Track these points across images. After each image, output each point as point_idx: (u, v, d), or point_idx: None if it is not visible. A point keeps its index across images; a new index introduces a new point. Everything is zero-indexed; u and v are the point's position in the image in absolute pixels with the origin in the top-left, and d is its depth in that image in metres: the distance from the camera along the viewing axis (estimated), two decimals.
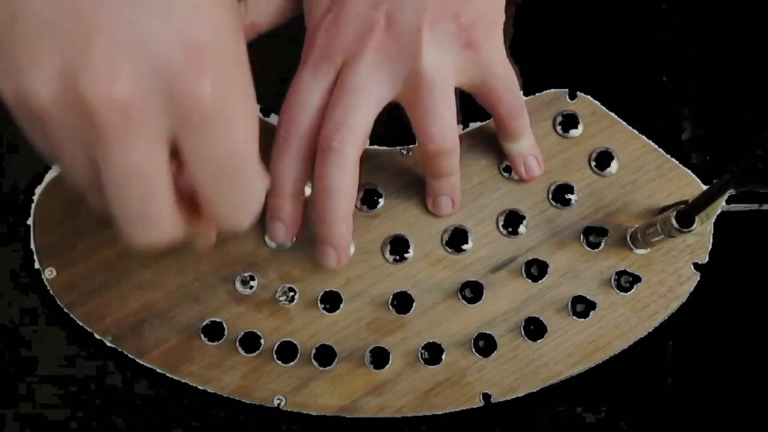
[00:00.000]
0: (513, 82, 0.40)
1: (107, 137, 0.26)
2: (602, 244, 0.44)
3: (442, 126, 0.38)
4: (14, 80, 0.26)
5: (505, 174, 0.45)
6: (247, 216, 0.31)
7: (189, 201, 0.30)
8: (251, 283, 0.42)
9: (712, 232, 0.44)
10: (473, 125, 0.45)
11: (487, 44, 0.39)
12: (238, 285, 0.42)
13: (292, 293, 0.42)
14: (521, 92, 0.41)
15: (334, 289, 0.43)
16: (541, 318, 0.42)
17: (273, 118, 0.44)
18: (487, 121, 0.45)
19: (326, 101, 0.39)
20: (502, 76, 0.40)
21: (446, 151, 0.39)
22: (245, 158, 0.29)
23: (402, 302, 0.43)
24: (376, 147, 0.45)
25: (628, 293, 0.43)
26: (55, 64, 0.25)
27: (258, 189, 0.31)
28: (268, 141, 0.40)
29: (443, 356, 0.42)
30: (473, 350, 0.42)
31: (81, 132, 0.26)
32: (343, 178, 0.38)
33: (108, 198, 0.28)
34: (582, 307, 0.43)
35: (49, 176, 0.43)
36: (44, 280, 0.42)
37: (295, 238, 0.43)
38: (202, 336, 0.42)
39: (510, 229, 0.44)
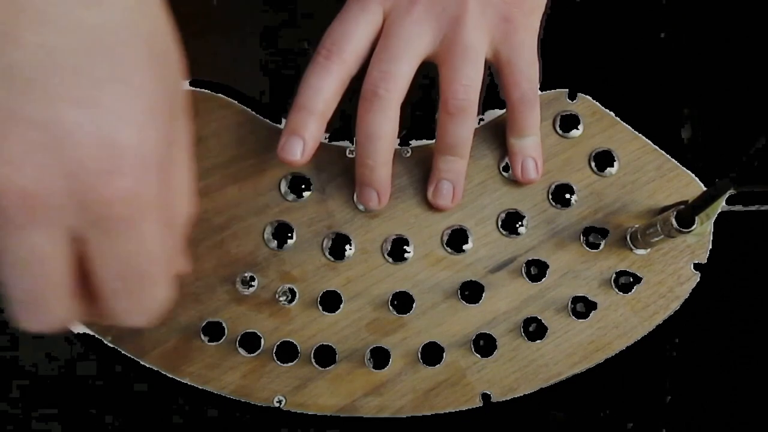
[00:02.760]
0: (534, 71, 0.42)
1: (7, 222, 0.25)
2: (602, 244, 0.44)
3: (467, 84, 0.40)
4: None
5: (505, 174, 0.45)
6: (144, 319, 0.30)
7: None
8: (251, 283, 0.42)
9: (712, 232, 0.44)
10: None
11: (523, 24, 0.41)
12: (238, 285, 0.42)
13: (292, 293, 0.42)
14: (538, 85, 0.42)
15: (334, 289, 0.43)
16: (541, 318, 0.42)
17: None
18: (493, 116, 0.45)
19: (369, 38, 0.40)
20: (527, 61, 0.41)
21: (465, 108, 0.40)
22: (150, 265, 0.28)
23: (402, 302, 0.43)
24: None
25: (628, 293, 0.43)
26: None
27: (159, 296, 0.30)
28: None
29: (443, 356, 0.42)
30: (473, 350, 0.42)
31: None
32: (387, 124, 0.40)
33: (4, 282, 0.27)
34: (582, 307, 0.43)
35: None
36: None
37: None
38: (202, 336, 0.42)
39: (510, 230, 0.44)
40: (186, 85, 0.44)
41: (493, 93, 0.43)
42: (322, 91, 0.39)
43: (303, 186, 0.44)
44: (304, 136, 0.39)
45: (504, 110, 0.44)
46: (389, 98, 0.39)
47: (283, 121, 0.43)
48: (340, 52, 0.40)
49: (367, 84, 0.40)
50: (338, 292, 0.43)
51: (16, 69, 0.25)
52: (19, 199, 0.25)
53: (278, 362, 0.42)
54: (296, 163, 0.40)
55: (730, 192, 0.34)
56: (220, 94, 0.45)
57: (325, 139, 0.44)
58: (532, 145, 0.44)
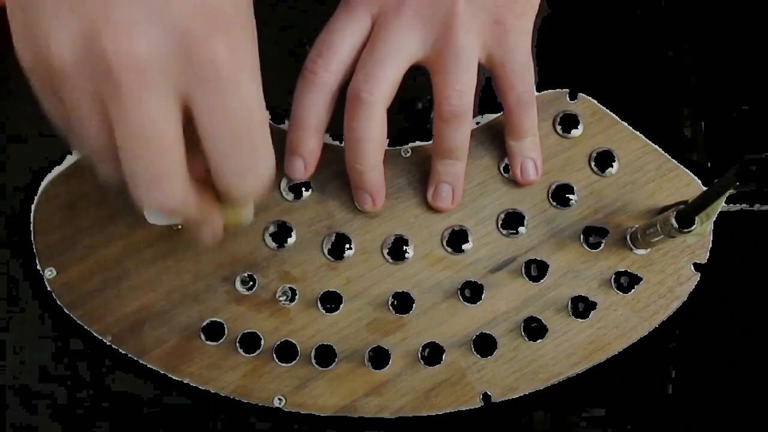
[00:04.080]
0: (529, 73, 0.41)
1: (123, 94, 0.27)
2: (602, 244, 0.44)
3: (461, 90, 0.40)
4: (35, 43, 0.27)
5: (506, 174, 0.45)
6: (255, 183, 0.31)
7: (201, 185, 0.31)
8: (251, 283, 0.42)
9: (712, 232, 0.44)
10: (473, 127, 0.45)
11: (515, 27, 0.40)
12: (238, 285, 0.42)
13: (292, 293, 0.42)
14: (534, 87, 0.42)
15: (334, 289, 0.43)
16: (541, 318, 0.42)
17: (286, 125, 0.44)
18: (489, 119, 0.45)
19: (357, 46, 0.40)
20: (521, 63, 0.41)
21: (460, 114, 0.40)
22: (255, 120, 0.30)
23: (402, 302, 0.43)
24: None
25: (628, 293, 0.43)
26: (76, 24, 0.26)
27: (267, 157, 0.31)
28: (280, 145, 0.41)
29: (443, 356, 0.42)
30: (473, 350, 0.42)
31: (98, 90, 0.27)
32: (372, 128, 0.40)
33: (121, 158, 0.29)
34: (582, 307, 0.43)
35: (50, 177, 0.43)
36: (44, 281, 0.42)
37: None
38: (202, 336, 0.42)
39: (510, 229, 0.44)
40: None
41: (491, 95, 0.43)
42: (312, 108, 0.40)
43: (303, 186, 0.44)
44: (303, 154, 0.41)
45: (500, 113, 0.44)
46: (373, 101, 0.39)
47: (286, 122, 0.43)
48: (326, 64, 0.40)
49: (352, 88, 0.39)
50: (338, 292, 0.43)
51: None
52: (131, 65, 0.26)
53: (278, 362, 0.42)
54: (302, 179, 0.42)
55: (730, 192, 0.34)
56: None
57: (329, 139, 0.44)
58: (530, 146, 0.44)
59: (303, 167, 0.42)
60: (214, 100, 0.28)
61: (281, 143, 0.42)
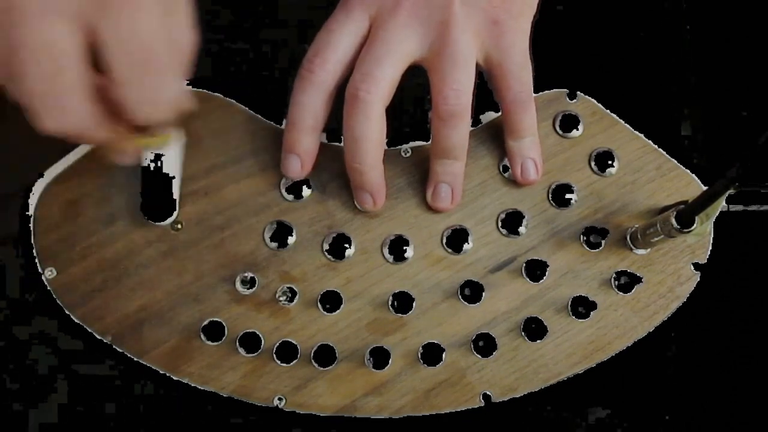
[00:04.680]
0: (526, 73, 0.41)
1: (21, 14, 0.27)
2: (602, 244, 0.44)
3: (458, 89, 0.40)
4: None
5: (505, 174, 0.45)
6: (160, 110, 0.31)
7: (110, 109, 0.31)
8: (251, 283, 0.42)
9: (712, 232, 0.44)
10: (473, 127, 0.45)
11: (512, 27, 0.40)
12: (238, 285, 0.42)
13: (292, 293, 0.42)
14: (532, 87, 0.42)
15: (334, 289, 0.43)
16: (541, 318, 0.42)
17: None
18: (489, 119, 0.45)
19: (354, 45, 0.40)
20: (518, 63, 0.41)
21: (458, 113, 0.40)
22: (159, 49, 0.30)
23: (402, 302, 0.43)
24: None
25: (628, 293, 0.43)
26: None
27: (171, 84, 0.31)
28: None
29: (443, 356, 0.42)
30: (473, 350, 0.42)
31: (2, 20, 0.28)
32: (370, 127, 0.40)
33: (22, 81, 0.29)
34: (582, 307, 0.43)
35: (50, 177, 0.43)
36: (44, 281, 0.42)
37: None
38: (202, 336, 0.42)
39: (510, 229, 0.44)
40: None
41: (490, 95, 0.43)
42: (309, 106, 0.40)
43: (303, 186, 0.44)
44: (299, 153, 0.42)
45: (500, 113, 0.44)
46: (371, 101, 0.39)
47: (284, 121, 0.43)
48: (323, 63, 0.40)
49: (350, 88, 0.40)
50: (338, 292, 0.43)
51: None
52: None
53: (278, 362, 0.42)
54: (299, 177, 0.43)
55: (730, 192, 0.34)
56: (219, 94, 0.45)
57: (324, 139, 0.44)
58: (529, 146, 0.44)
59: (299, 166, 0.42)
60: (114, 27, 0.29)
61: (280, 142, 0.42)
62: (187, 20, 0.32)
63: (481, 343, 0.42)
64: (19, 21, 0.28)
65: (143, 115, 0.32)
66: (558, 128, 0.45)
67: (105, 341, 0.42)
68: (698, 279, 0.44)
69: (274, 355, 0.42)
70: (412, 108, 0.47)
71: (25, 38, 0.28)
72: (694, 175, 0.45)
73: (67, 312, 0.42)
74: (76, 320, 0.42)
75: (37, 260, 0.43)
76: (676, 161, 0.45)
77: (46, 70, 0.29)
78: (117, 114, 0.32)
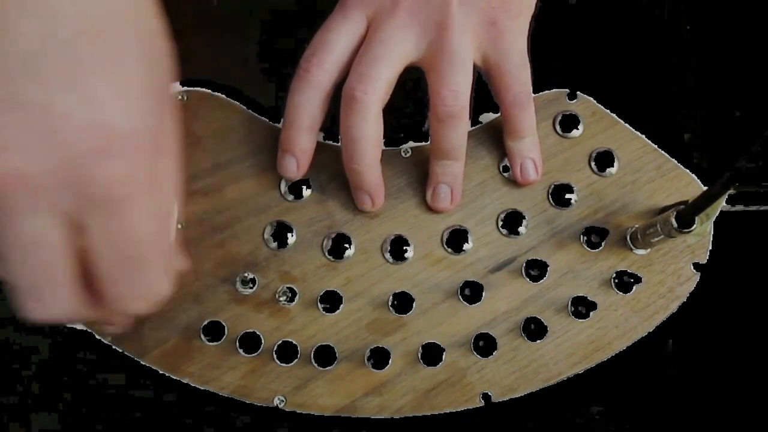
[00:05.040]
0: (525, 73, 0.41)
1: (6, 209, 0.26)
2: (602, 244, 0.44)
3: (456, 90, 0.39)
4: None
5: (505, 174, 0.45)
6: (144, 305, 0.31)
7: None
8: (251, 283, 0.42)
9: (712, 232, 0.44)
10: (473, 127, 0.45)
11: (510, 28, 0.40)
12: (238, 285, 0.42)
13: (292, 293, 0.42)
14: (531, 87, 0.42)
15: (334, 289, 0.43)
16: (541, 318, 0.42)
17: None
18: (489, 119, 0.45)
19: (352, 46, 0.40)
20: (517, 64, 0.41)
21: (456, 114, 0.40)
22: (144, 248, 0.29)
23: (402, 302, 0.43)
24: None
25: (628, 293, 0.43)
26: None
27: (155, 282, 0.31)
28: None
29: (443, 356, 0.42)
30: (473, 350, 0.42)
31: None
32: (367, 128, 0.39)
33: (9, 272, 0.28)
34: (582, 307, 0.43)
35: None
36: None
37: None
38: (202, 336, 0.42)
39: (510, 229, 0.44)
40: (177, 86, 0.44)
41: (489, 95, 0.43)
42: (305, 106, 0.40)
43: (303, 186, 0.44)
44: (295, 152, 0.42)
45: (499, 113, 0.44)
46: (367, 101, 0.39)
47: (282, 121, 0.43)
48: (320, 63, 0.40)
49: (346, 88, 0.39)
50: (338, 292, 0.43)
51: (13, 56, 0.25)
52: (18, 184, 0.26)
53: (278, 362, 0.42)
54: (295, 177, 0.43)
55: (730, 192, 0.34)
56: (220, 94, 0.45)
57: (323, 139, 0.44)
58: (529, 146, 0.43)
59: (295, 166, 0.42)
60: (101, 226, 0.28)
61: (276, 142, 0.42)
62: (173, 216, 0.31)
63: (481, 343, 0.42)
64: (9, 216, 0.26)
65: (127, 309, 0.31)
66: (558, 128, 0.45)
67: (105, 341, 0.42)
68: (698, 279, 0.44)
69: (274, 355, 0.42)
70: (412, 108, 0.47)
71: (14, 233, 0.27)
72: (694, 175, 0.45)
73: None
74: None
75: None
76: (676, 161, 0.45)
77: (34, 265, 0.28)
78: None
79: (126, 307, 0.31)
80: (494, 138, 0.45)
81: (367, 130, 0.40)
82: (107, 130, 0.27)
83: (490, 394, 0.42)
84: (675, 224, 0.38)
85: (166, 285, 0.32)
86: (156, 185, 0.29)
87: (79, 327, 0.42)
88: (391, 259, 0.43)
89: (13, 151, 0.26)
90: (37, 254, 0.28)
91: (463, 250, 0.44)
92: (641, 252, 0.44)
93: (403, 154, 0.45)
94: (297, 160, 0.42)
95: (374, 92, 0.39)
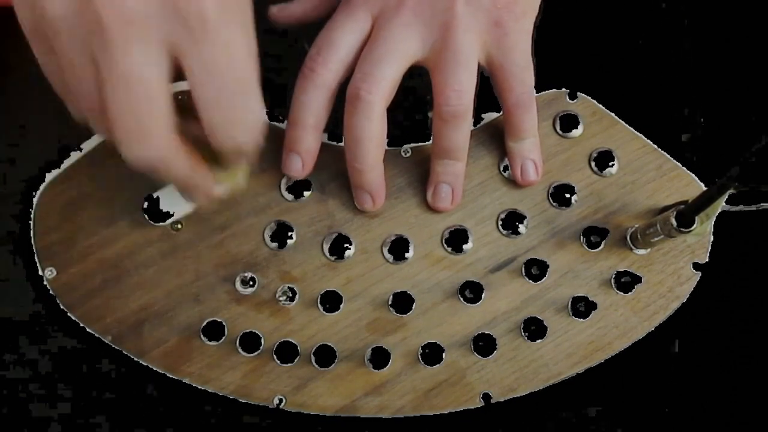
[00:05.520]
0: (528, 75, 0.41)
1: (111, 44, 0.28)
2: (602, 244, 0.44)
3: (460, 90, 0.40)
4: (32, 1, 0.28)
5: (505, 174, 0.45)
6: (245, 133, 0.32)
7: (193, 146, 0.33)
8: (251, 283, 0.42)
9: (712, 232, 0.44)
10: (475, 127, 0.45)
11: (514, 29, 0.40)
12: (238, 285, 0.42)
13: (292, 293, 0.42)
14: (534, 89, 0.42)
15: (334, 289, 0.43)
16: (541, 318, 0.42)
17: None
18: (489, 119, 0.45)
19: (357, 45, 0.40)
20: (521, 65, 0.41)
21: (459, 114, 0.40)
22: (244, 72, 0.30)
23: (402, 302, 0.43)
24: None
25: (628, 293, 0.43)
26: None
27: (256, 107, 0.32)
28: (278, 143, 0.42)
29: (443, 356, 0.42)
30: (473, 350, 0.42)
31: (89, 43, 0.28)
32: (371, 127, 0.39)
33: (108, 111, 0.29)
34: (582, 307, 0.43)
35: (50, 177, 0.43)
36: (44, 281, 0.42)
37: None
38: (202, 336, 0.42)
39: (510, 229, 0.44)
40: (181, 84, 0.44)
41: (491, 95, 0.43)
42: (310, 105, 0.40)
43: (303, 186, 0.44)
44: (300, 151, 0.42)
45: (501, 113, 0.44)
46: (371, 101, 0.39)
47: (285, 121, 0.43)
48: (325, 62, 0.40)
49: (351, 87, 0.40)
50: (338, 292, 0.43)
51: None
52: (119, 16, 0.27)
53: (278, 362, 0.42)
54: (299, 176, 0.43)
55: (730, 192, 0.34)
56: None
57: (325, 138, 0.44)
58: (530, 147, 0.44)
59: (300, 165, 0.42)
60: (200, 51, 0.29)
61: (280, 141, 0.42)
62: (254, 39, 0.32)
63: (481, 343, 0.42)
64: (114, 48, 0.28)
65: (228, 141, 0.32)
66: (558, 128, 0.45)
67: (105, 341, 0.42)
68: (698, 279, 0.44)
69: (274, 355, 0.42)
70: (412, 108, 0.47)
71: (119, 65, 0.28)
72: (694, 175, 0.45)
73: (67, 312, 0.42)
74: (75, 320, 0.42)
75: (37, 260, 0.43)
76: (676, 161, 0.45)
77: (132, 101, 0.29)
78: (195, 150, 0.33)
79: (227, 135, 0.31)
80: (495, 138, 0.45)
81: (370, 130, 0.40)
82: None
83: (490, 394, 0.42)
84: (675, 224, 0.38)
85: (262, 111, 0.32)
86: (244, 10, 0.31)
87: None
88: (391, 259, 0.44)
89: None
90: (141, 88, 0.29)
91: (463, 250, 0.44)
92: (641, 252, 0.44)
93: (403, 153, 0.45)
94: (302, 160, 0.42)
95: (378, 92, 0.39)
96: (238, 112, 0.31)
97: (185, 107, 0.31)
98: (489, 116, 0.45)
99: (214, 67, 0.30)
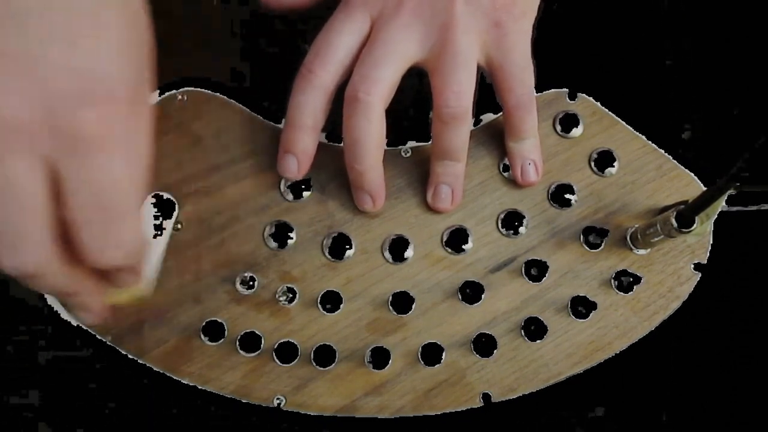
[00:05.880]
0: (528, 75, 0.41)
1: None
2: (602, 244, 0.44)
3: (459, 91, 0.39)
4: None
5: (505, 174, 0.45)
6: (117, 255, 0.31)
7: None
8: (251, 283, 0.42)
9: (712, 232, 0.44)
10: (474, 127, 0.45)
11: (514, 29, 0.40)
12: (238, 285, 0.42)
13: (292, 293, 0.42)
14: (534, 89, 0.42)
15: (334, 289, 0.43)
16: (541, 318, 0.42)
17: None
18: (489, 119, 0.45)
19: (355, 46, 0.40)
20: (521, 65, 0.41)
21: (459, 116, 0.40)
22: (119, 195, 0.29)
23: (402, 302, 0.43)
24: None
25: (628, 293, 0.43)
26: None
27: (130, 231, 0.31)
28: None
29: (443, 356, 0.42)
30: (473, 350, 0.42)
31: None
32: (370, 129, 0.39)
33: None
34: (582, 307, 0.43)
35: None
36: None
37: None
38: (202, 336, 0.42)
39: (510, 229, 0.44)
40: (188, 89, 0.44)
41: (491, 95, 0.43)
42: (308, 106, 0.40)
43: (303, 186, 0.44)
44: (296, 152, 0.42)
45: (500, 114, 0.44)
46: (370, 102, 0.39)
47: (283, 121, 0.43)
48: (323, 64, 0.40)
49: (349, 89, 0.39)
50: (338, 292, 0.43)
51: (12, 10, 0.27)
52: (0, 126, 0.27)
53: (278, 362, 0.42)
54: (295, 177, 0.42)
55: (730, 192, 0.34)
56: (220, 94, 0.45)
57: (324, 139, 0.44)
58: (530, 147, 0.44)
59: (296, 166, 0.42)
60: (77, 170, 0.28)
61: (276, 142, 0.42)
62: (145, 163, 0.31)
63: (481, 343, 0.42)
64: None
65: (100, 262, 0.31)
66: (558, 128, 0.45)
67: (105, 341, 0.42)
68: (698, 279, 0.44)
69: (274, 355, 0.42)
70: (412, 108, 0.47)
71: None
72: (694, 175, 0.45)
73: (66, 311, 0.42)
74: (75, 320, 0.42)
75: None
76: (676, 161, 0.45)
77: (10, 208, 0.28)
78: (80, 263, 0.31)
79: (100, 256, 0.31)
80: (494, 138, 0.45)
81: (369, 131, 0.39)
82: (89, 75, 0.28)
83: (490, 394, 0.42)
84: (675, 224, 0.38)
85: (139, 236, 0.32)
86: (131, 134, 0.30)
87: (65, 316, 0.41)
88: (391, 259, 0.44)
89: None
90: (14, 197, 0.28)
91: (463, 250, 0.44)
92: (641, 252, 0.44)
93: (403, 154, 0.45)
94: (298, 161, 0.42)
95: (377, 93, 0.39)
96: (111, 234, 0.30)
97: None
98: (487, 117, 0.45)
99: (88, 188, 0.29)
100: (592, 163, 0.45)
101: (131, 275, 0.34)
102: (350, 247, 0.43)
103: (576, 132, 0.45)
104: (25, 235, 0.29)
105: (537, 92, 0.45)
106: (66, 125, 0.27)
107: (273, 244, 0.43)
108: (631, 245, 0.44)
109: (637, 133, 0.46)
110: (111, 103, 0.28)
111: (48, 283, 0.31)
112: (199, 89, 0.44)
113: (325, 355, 0.42)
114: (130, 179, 0.30)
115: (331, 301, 0.43)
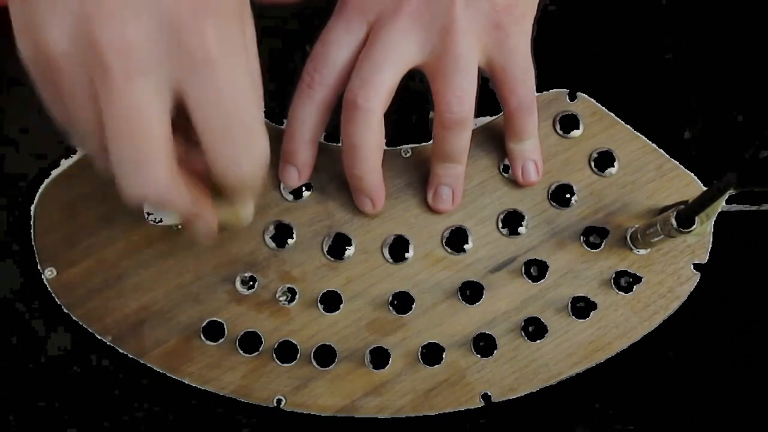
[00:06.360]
0: (530, 77, 0.41)
1: (112, 79, 0.27)
2: (602, 244, 0.44)
3: (461, 96, 0.39)
4: (34, 35, 0.28)
5: (506, 174, 0.45)
6: (250, 168, 0.32)
7: (196, 180, 0.32)
8: (251, 283, 0.42)
9: (712, 232, 0.44)
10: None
11: (515, 31, 0.40)
12: (238, 285, 0.42)
13: (292, 293, 0.42)
14: (535, 90, 0.42)
15: (334, 289, 0.43)
16: (541, 318, 0.42)
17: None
18: (490, 119, 0.45)
19: (353, 56, 0.40)
20: (522, 67, 0.41)
21: (460, 121, 0.40)
22: (247, 105, 0.30)
23: (402, 302, 0.43)
24: None
25: (628, 293, 0.43)
26: (70, 14, 0.27)
27: (260, 142, 0.32)
28: (278, 145, 0.42)
29: (443, 356, 0.42)
30: (473, 350, 0.42)
31: (91, 78, 0.28)
32: (369, 134, 0.39)
33: (108, 146, 0.29)
34: (582, 307, 0.43)
35: (50, 177, 0.43)
36: (44, 280, 0.42)
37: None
38: (202, 336, 0.42)
39: (510, 229, 0.44)
40: None
41: (490, 96, 0.43)
42: (307, 120, 0.41)
43: (303, 186, 0.44)
44: (297, 164, 0.42)
45: (496, 116, 0.44)
46: (369, 107, 0.39)
47: (284, 122, 0.43)
48: (322, 78, 0.40)
49: (348, 94, 0.39)
50: (338, 292, 0.43)
51: None
52: (121, 51, 0.27)
53: (278, 362, 0.42)
54: (296, 186, 0.43)
55: (730, 192, 0.34)
56: None
57: (323, 139, 0.44)
58: (531, 148, 0.43)
59: (297, 176, 0.43)
60: (203, 85, 0.29)
61: (279, 143, 0.42)
62: (260, 79, 0.32)
63: (481, 343, 0.42)
64: (115, 82, 0.27)
65: (233, 177, 0.31)
66: (558, 128, 0.45)
67: (105, 341, 0.42)
68: (698, 279, 0.44)
69: (274, 355, 0.42)
70: (412, 109, 0.47)
71: (120, 100, 0.28)
72: (694, 175, 0.45)
73: (66, 312, 0.42)
74: (76, 320, 0.42)
75: (37, 260, 0.43)
76: (676, 161, 0.45)
77: (132, 137, 0.28)
78: (198, 184, 0.33)
79: (230, 171, 0.31)
80: (494, 138, 0.45)
81: (368, 137, 0.39)
82: None
83: (490, 394, 0.42)
84: (675, 224, 0.38)
85: (267, 149, 0.32)
86: (245, 50, 0.30)
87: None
88: (391, 259, 0.44)
89: (119, 17, 0.27)
90: (142, 123, 0.28)
91: (463, 250, 0.44)
92: (641, 252, 0.44)
93: (403, 154, 0.45)
94: (299, 171, 0.42)
95: (376, 98, 0.39)
96: (242, 147, 0.31)
97: (190, 139, 0.31)
98: (481, 121, 0.45)
99: (218, 102, 0.29)
100: (592, 163, 0.45)
101: (251, 191, 0.34)
102: (350, 247, 0.43)
103: (576, 132, 0.45)
104: (151, 159, 0.29)
105: (537, 92, 0.45)
106: (188, 43, 0.28)
107: (273, 244, 0.43)
108: (631, 245, 0.44)
109: (637, 133, 0.46)
110: (228, 15, 0.29)
111: (171, 204, 0.31)
112: None
113: (325, 355, 0.42)
114: (253, 88, 0.31)
115: (331, 301, 0.43)
